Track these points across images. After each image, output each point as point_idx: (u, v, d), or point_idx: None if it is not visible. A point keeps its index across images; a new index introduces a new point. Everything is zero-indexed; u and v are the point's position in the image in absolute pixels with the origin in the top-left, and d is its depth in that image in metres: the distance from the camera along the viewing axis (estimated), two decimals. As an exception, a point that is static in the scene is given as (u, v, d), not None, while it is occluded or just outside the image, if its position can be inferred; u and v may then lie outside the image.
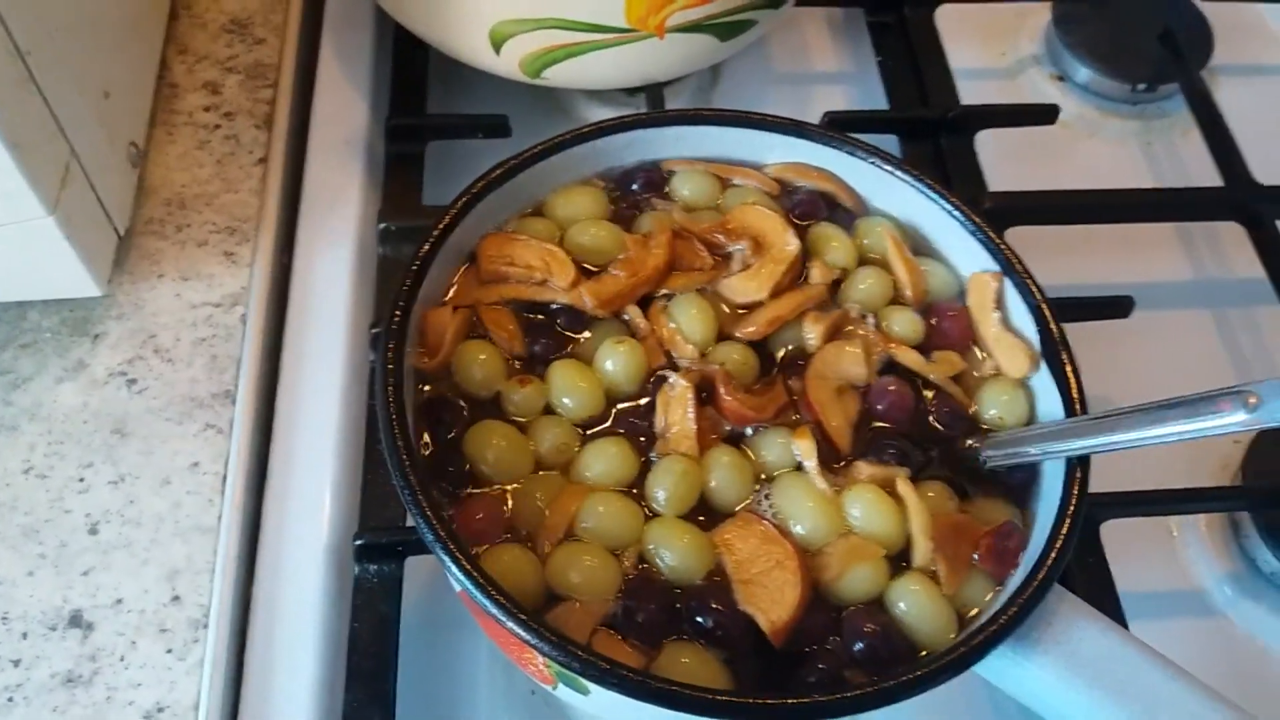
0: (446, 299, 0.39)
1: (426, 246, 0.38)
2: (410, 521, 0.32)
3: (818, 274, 0.40)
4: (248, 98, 0.54)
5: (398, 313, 0.35)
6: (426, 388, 0.36)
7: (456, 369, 0.37)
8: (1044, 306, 0.39)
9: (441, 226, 0.38)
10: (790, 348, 0.39)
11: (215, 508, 0.43)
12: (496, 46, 0.51)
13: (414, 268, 0.37)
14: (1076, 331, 0.47)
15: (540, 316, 0.39)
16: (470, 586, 0.31)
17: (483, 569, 0.31)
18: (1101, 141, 0.64)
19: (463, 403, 0.37)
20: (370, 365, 0.48)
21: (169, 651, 0.40)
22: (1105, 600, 0.45)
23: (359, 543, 0.42)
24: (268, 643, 0.41)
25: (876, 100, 0.61)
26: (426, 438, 0.36)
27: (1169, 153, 0.64)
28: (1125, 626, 0.43)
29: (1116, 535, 0.46)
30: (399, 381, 0.34)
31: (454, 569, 0.31)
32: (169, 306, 0.48)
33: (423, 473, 0.33)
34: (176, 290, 0.48)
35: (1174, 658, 0.46)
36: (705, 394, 0.37)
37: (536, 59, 0.51)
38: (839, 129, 0.55)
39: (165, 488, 0.43)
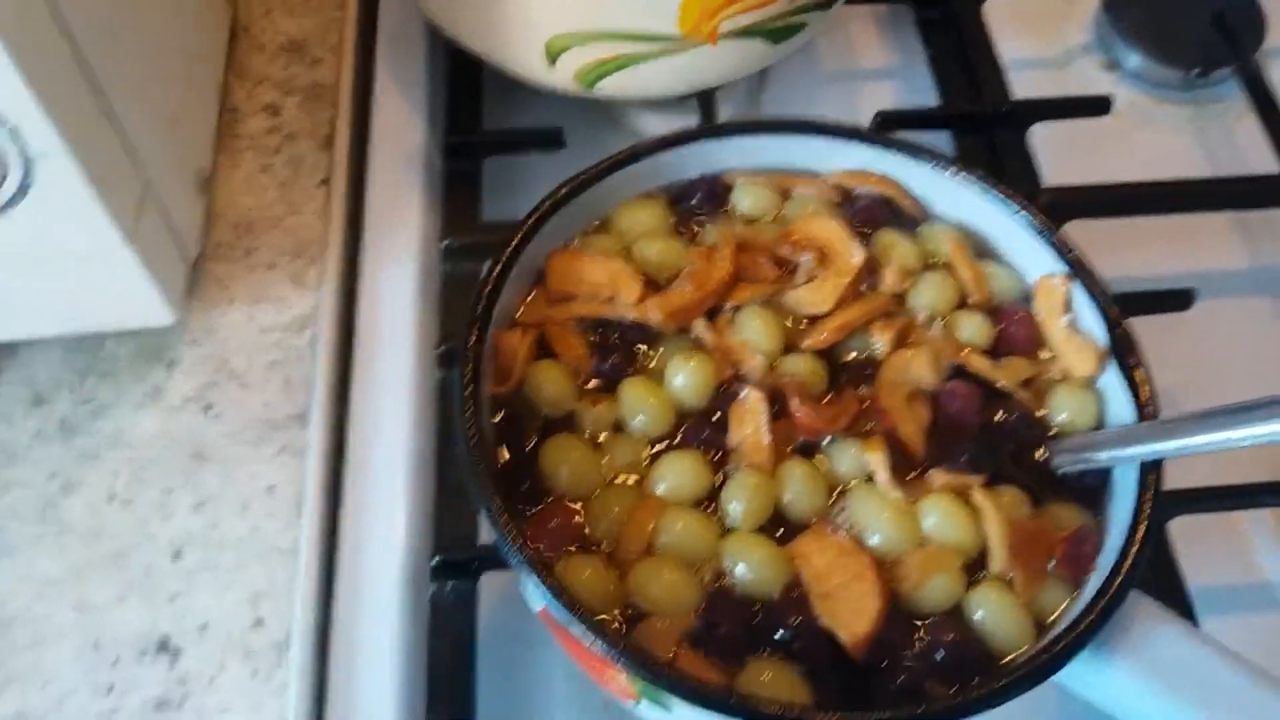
0: (516, 318, 0.39)
1: (498, 267, 0.38)
2: (484, 539, 0.33)
3: (887, 280, 0.41)
4: (308, 119, 0.55)
5: (474, 335, 0.36)
6: (502, 408, 0.37)
7: (529, 389, 0.37)
8: (1112, 309, 0.39)
9: (512, 246, 0.38)
10: (857, 355, 0.40)
11: (293, 530, 0.44)
12: (552, 60, 0.51)
13: (487, 289, 0.37)
14: (1137, 325, 0.47)
15: (608, 334, 0.39)
16: (560, 609, 0.31)
17: (567, 588, 0.32)
18: (1156, 129, 0.63)
19: (537, 421, 0.37)
20: (439, 383, 0.49)
21: (254, 674, 0.41)
22: (1175, 598, 0.44)
23: (436, 561, 0.43)
24: (349, 662, 0.42)
25: (927, 96, 0.61)
26: (503, 455, 0.36)
27: (1225, 139, 0.63)
28: (1196, 623, 0.43)
29: (1184, 531, 0.46)
30: (477, 404, 0.35)
31: (544, 591, 0.32)
32: (240, 331, 0.49)
33: (503, 492, 0.34)
34: (248, 314, 0.49)
35: (1245, 653, 0.46)
36: (776, 406, 0.38)
37: (591, 71, 0.51)
38: (891, 128, 0.56)
39: (245, 511, 0.44)
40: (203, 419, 0.46)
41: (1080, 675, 0.34)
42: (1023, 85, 0.60)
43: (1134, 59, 0.64)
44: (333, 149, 0.54)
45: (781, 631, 0.34)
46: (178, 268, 0.47)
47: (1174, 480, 0.44)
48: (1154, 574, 0.45)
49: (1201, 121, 0.63)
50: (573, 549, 0.35)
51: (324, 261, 0.51)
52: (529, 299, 0.40)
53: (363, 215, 0.53)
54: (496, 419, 0.37)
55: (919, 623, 0.35)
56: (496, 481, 0.34)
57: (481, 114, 0.57)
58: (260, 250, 0.51)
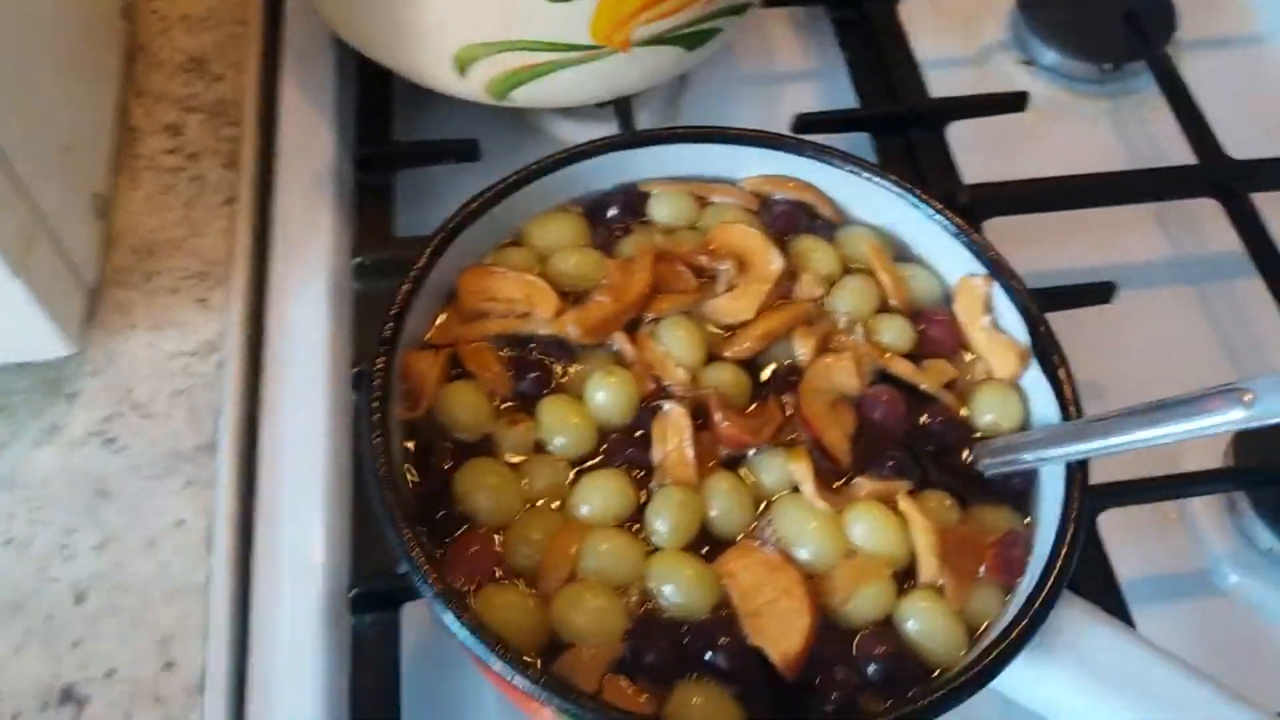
0: (427, 339, 0.38)
1: (406, 287, 0.37)
2: (406, 567, 0.32)
3: (805, 288, 0.40)
4: (211, 137, 0.53)
5: (381, 359, 0.35)
6: (414, 433, 0.36)
7: (442, 413, 0.36)
8: (1032, 308, 0.39)
9: (419, 265, 0.37)
10: (780, 364, 0.39)
11: (203, 566, 0.42)
12: (462, 71, 0.50)
13: (394, 311, 0.36)
14: (1060, 319, 0.47)
15: (525, 352, 0.38)
16: (474, 644, 0.30)
17: (484, 622, 0.31)
18: (1073, 123, 0.64)
19: (451, 445, 0.36)
20: (355, 407, 0.47)
21: (167, 721, 0.39)
22: (1107, 591, 0.44)
23: (354, 593, 0.41)
24: (267, 704, 0.40)
25: (845, 97, 0.61)
26: (415, 481, 0.35)
27: (1141, 131, 0.63)
28: (1128, 614, 0.43)
29: (1114, 523, 0.46)
30: (387, 431, 0.34)
31: (455, 625, 0.30)
32: (144, 359, 0.47)
33: (414, 523, 0.33)
34: (150, 341, 0.47)
35: (1180, 640, 0.46)
36: (700, 419, 0.37)
37: (503, 81, 0.50)
38: (810, 130, 0.55)
39: (151, 549, 0.42)
40: (105, 453, 0.44)
41: (1016, 681, 0.34)
42: (940, 84, 0.60)
43: (1049, 55, 0.64)
44: (238, 167, 0.52)
45: (711, 653, 0.33)
46: (74, 297, 0.45)
47: (1102, 474, 0.45)
48: (1086, 568, 0.45)
49: (1117, 114, 0.64)
50: (493, 578, 0.34)
51: (230, 283, 0.49)
52: (441, 318, 0.38)
53: (270, 234, 0.51)
54: (409, 445, 0.35)
55: (851, 637, 0.34)
56: (408, 511, 0.32)
57: (393, 126, 0.55)
58: (163, 274, 0.49)
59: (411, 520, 0.32)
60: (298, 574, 0.42)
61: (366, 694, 0.40)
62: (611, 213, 0.42)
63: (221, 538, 0.43)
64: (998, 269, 0.39)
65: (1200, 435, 0.32)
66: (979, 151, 0.58)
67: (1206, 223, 0.58)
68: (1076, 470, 0.35)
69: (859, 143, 0.57)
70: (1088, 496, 0.35)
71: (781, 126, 0.55)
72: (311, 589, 0.42)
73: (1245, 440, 0.50)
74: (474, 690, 0.43)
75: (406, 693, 0.41)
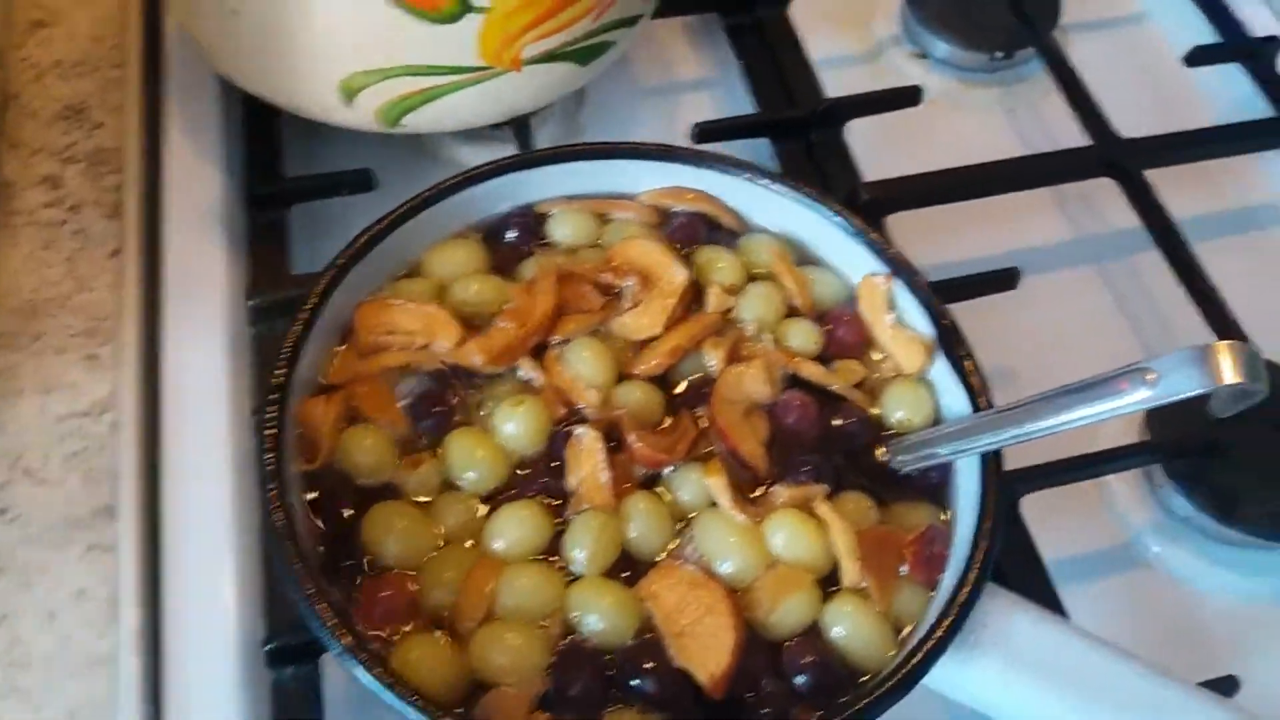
0: (326, 379, 0.37)
1: (296, 328, 0.36)
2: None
3: (712, 300, 0.40)
4: (92, 187, 0.51)
5: (273, 408, 0.34)
6: (314, 483, 0.35)
7: (342, 460, 0.35)
8: (934, 301, 0.39)
9: (309, 306, 0.36)
10: (693, 377, 0.39)
11: (110, 636, 0.40)
12: (349, 100, 0.49)
13: (284, 354, 0.35)
14: (968, 307, 0.47)
15: (426, 386, 0.37)
16: (387, 696, 0.29)
17: (396, 673, 0.30)
18: (967, 113, 0.64)
19: (355, 491, 0.35)
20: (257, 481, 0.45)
21: (76, 806, 0.37)
22: (1033, 574, 0.44)
23: (269, 648, 0.40)
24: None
25: (743, 103, 0.60)
26: (320, 529, 0.34)
27: (1033, 116, 0.64)
28: (1056, 595, 0.43)
29: (1037, 505, 0.46)
30: (282, 484, 0.32)
31: (366, 678, 0.29)
32: (33, 424, 0.45)
33: (321, 573, 0.32)
34: (39, 404, 0.45)
35: (1109, 614, 0.47)
36: (613, 441, 0.36)
37: (393, 108, 0.49)
38: (710, 139, 0.55)
39: (52, 622, 0.40)
40: (-2, 524, 0.42)
41: (946, 678, 0.34)
42: (836, 82, 0.60)
43: (941, 47, 0.65)
44: (122, 216, 0.50)
45: (638, 679, 0.32)
46: (-46, 363, 0.43)
47: (1021, 458, 0.45)
48: (1011, 553, 0.45)
49: (1010, 102, 0.65)
50: (409, 623, 0.33)
51: (120, 338, 0.47)
52: (339, 356, 0.37)
53: (161, 284, 0.49)
54: (311, 494, 0.34)
55: (778, 648, 0.33)
56: (312, 564, 0.31)
57: (283, 161, 0.54)
58: (49, 334, 0.47)
59: (315, 573, 0.31)
60: (211, 633, 0.41)
61: (290, 750, 0.39)
62: (510, 236, 0.41)
63: (127, 605, 0.41)
64: (898, 266, 0.39)
65: (1109, 418, 0.32)
66: (878, 148, 0.58)
67: (1104, 203, 0.59)
68: (991, 461, 0.35)
69: (760, 148, 0.57)
70: (1004, 485, 0.35)
71: (682, 136, 0.55)
72: (227, 649, 0.40)
73: (1157, 413, 0.50)
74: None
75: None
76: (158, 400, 0.46)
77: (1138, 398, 0.32)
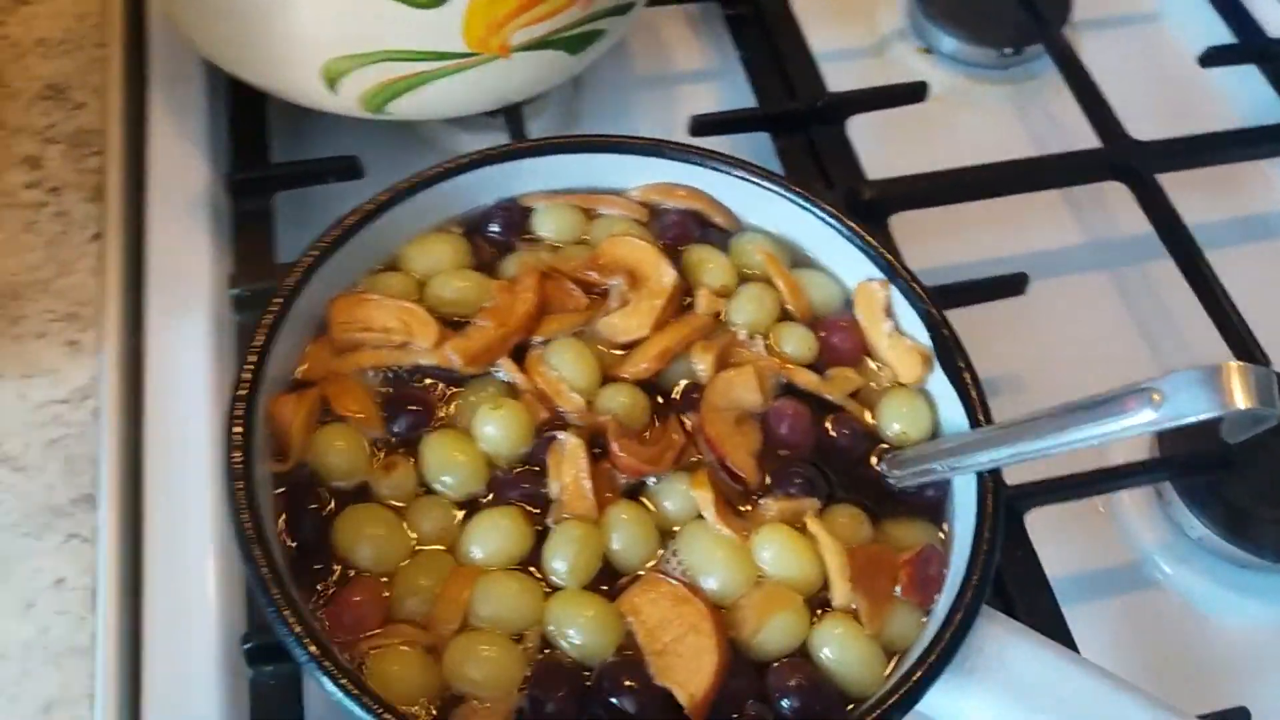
0: (298, 375, 0.36)
1: (267, 321, 0.35)
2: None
3: (703, 302, 0.38)
4: (73, 169, 0.50)
5: (240, 405, 0.32)
6: (284, 484, 0.33)
7: (313, 462, 0.34)
8: (933, 311, 0.37)
9: (282, 299, 0.35)
10: (681, 383, 0.37)
11: (88, 626, 0.39)
12: (332, 85, 0.47)
13: (253, 348, 0.34)
14: (974, 312, 0.46)
15: (402, 387, 0.36)
16: (355, 707, 0.28)
17: (364, 684, 0.29)
18: (975, 111, 0.63)
19: (327, 493, 0.34)
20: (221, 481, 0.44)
21: (48, 799, 0.36)
22: (1038, 592, 0.43)
23: (249, 646, 0.39)
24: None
25: (744, 95, 0.59)
26: (291, 539, 0.33)
27: (1043, 114, 0.63)
28: (1061, 613, 0.42)
29: (1042, 521, 0.45)
30: (250, 487, 0.31)
31: (333, 689, 0.28)
32: (11, 410, 0.44)
33: (290, 579, 0.30)
34: (19, 390, 0.44)
35: (1115, 634, 0.46)
36: (597, 448, 0.35)
37: (377, 94, 0.48)
38: (708, 132, 0.53)
39: (29, 611, 0.40)
40: (-28, 514, 0.41)
41: (938, 705, 0.32)
42: (839, 76, 0.58)
43: (948, 42, 0.63)
44: (104, 199, 0.49)
45: (616, 698, 0.31)
46: (-73, 348, 0.42)
47: (1028, 472, 0.43)
48: (1015, 569, 0.43)
49: (1019, 99, 0.63)
50: (380, 631, 0.31)
51: (102, 324, 0.46)
52: (312, 352, 0.36)
53: (143, 269, 0.48)
54: (279, 498, 0.33)
55: (764, 669, 0.32)
56: (279, 570, 0.30)
57: (270, 147, 0.52)
58: (29, 318, 0.46)
59: (284, 578, 0.30)
60: (191, 628, 0.40)
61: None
62: (493, 230, 0.40)
63: (106, 594, 0.40)
64: (894, 272, 0.38)
65: (1111, 440, 0.31)
66: (881, 144, 0.57)
67: (1115, 206, 0.58)
68: (989, 479, 0.34)
69: (759, 142, 0.56)
70: (1005, 503, 0.34)
71: (680, 128, 0.53)
72: (207, 644, 0.39)
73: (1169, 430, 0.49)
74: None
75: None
76: (140, 388, 0.45)
77: (1142, 420, 0.30)
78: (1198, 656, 0.46)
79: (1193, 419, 0.29)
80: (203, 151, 0.52)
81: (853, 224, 0.38)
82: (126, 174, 0.51)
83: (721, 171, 0.39)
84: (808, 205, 0.38)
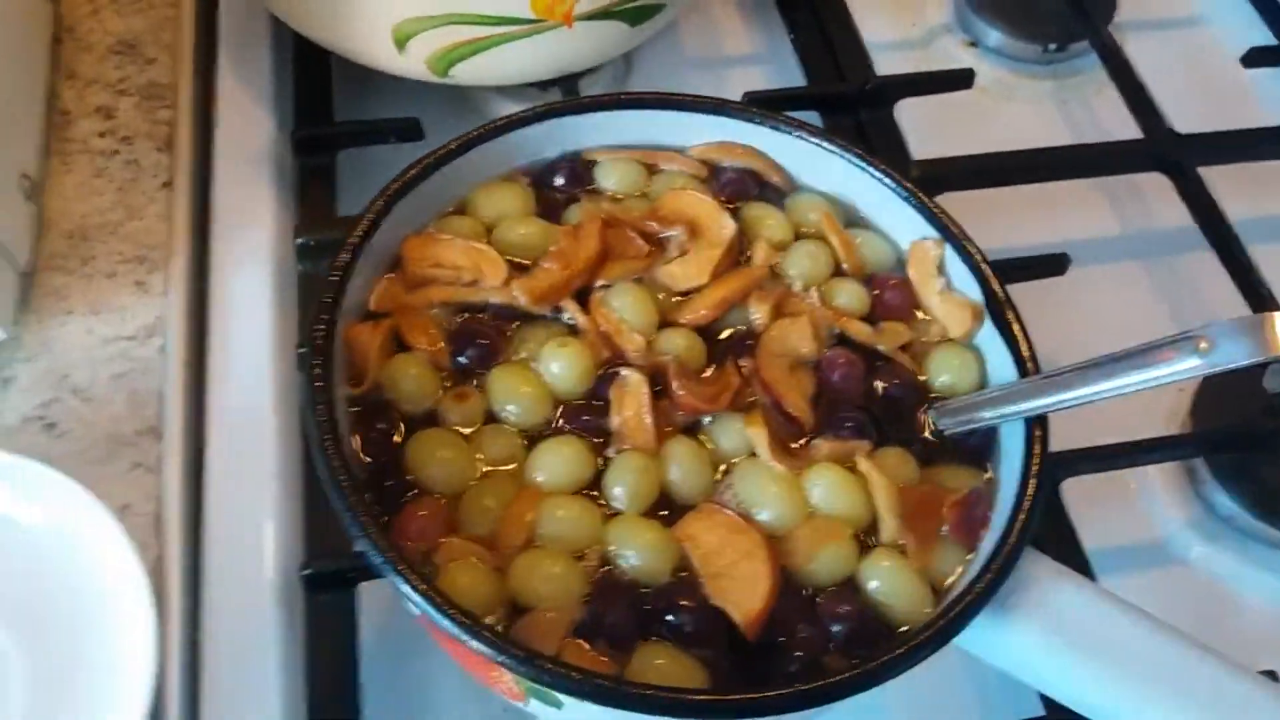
0: (371, 306, 0.37)
1: (346, 254, 0.36)
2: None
3: (760, 255, 0.39)
4: (145, 120, 0.52)
5: (321, 327, 0.34)
6: (359, 406, 0.35)
7: (387, 387, 0.35)
8: (985, 267, 0.38)
9: (360, 232, 0.36)
10: (736, 329, 0.38)
11: (151, 551, 0.41)
12: (400, 46, 0.49)
13: (334, 278, 0.35)
14: (1013, 293, 0.47)
15: (471, 321, 0.37)
16: (428, 608, 0.29)
17: (439, 588, 0.30)
18: (1018, 104, 0.64)
19: (399, 416, 0.35)
20: (300, 396, 0.46)
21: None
22: (1073, 558, 0.44)
23: (306, 573, 0.40)
24: (222, 685, 0.39)
25: (793, 79, 0.60)
26: (363, 456, 0.34)
27: (1086, 110, 0.64)
28: (1094, 579, 0.43)
29: (1077, 493, 0.46)
30: (330, 402, 0.32)
31: (408, 591, 0.29)
32: (81, 344, 0.45)
33: (364, 495, 0.32)
34: (88, 326, 0.46)
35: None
36: (657, 386, 0.36)
37: (443, 57, 0.49)
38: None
39: (96, 535, 0.41)
40: (45, 438, 0.43)
41: (980, 638, 0.33)
42: (886, 66, 0.60)
43: (993, 35, 0.65)
44: (173, 150, 0.51)
45: (672, 616, 0.32)
46: (6, 279, 0.44)
47: (1062, 442, 0.44)
48: (1052, 536, 0.44)
49: (1062, 94, 0.64)
50: (447, 532, 0.33)
51: (169, 266, 0.48)
52: (385, 285, 0.37)
53: (210, 217, 0.50)
54: (354, 417, 0.34)
55: (814, 598, 0.33)
56: (354, 481, 0.31)
57: (333, 106, 0.54)
58: (98, 259, 0.48)
59: (359, 489, 0.31)
60: (250, 555, 0.41)
61: (323, 675, 0.39)
62: (558, 181, 0.41)
63: (170, 521, 0.41)
64: (949, 231, 0.39)
65: (1158, 384, 0.32)
66: (926, 133, 0.58)
67: (1154, 199, 0.59)
68: (1035, 426, 0.35)
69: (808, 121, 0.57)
70: (1048, 452, 0.35)
71: (729, 102, 0.55)
72: (265, 571, 0.41)
73: (1203, 406, 0.50)
74: (436, 674, 0.42)
75: (366, 676, 0.39)
76: (203, 329, 0.46)
77: (1189, 365, 0.31)
78: (1225, 636, 0.46)
79: (1238, 364, 0.30)
80: (269, 108, 0.54)
81: (909, 185, 0.39)
82: (195, 127, 0.53)
83: (781, 131, 0.41)
84: (865, 165, 0.40)
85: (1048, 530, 0.44)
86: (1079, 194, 0.59)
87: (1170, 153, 0.56)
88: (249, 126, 0.53)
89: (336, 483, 0.31)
